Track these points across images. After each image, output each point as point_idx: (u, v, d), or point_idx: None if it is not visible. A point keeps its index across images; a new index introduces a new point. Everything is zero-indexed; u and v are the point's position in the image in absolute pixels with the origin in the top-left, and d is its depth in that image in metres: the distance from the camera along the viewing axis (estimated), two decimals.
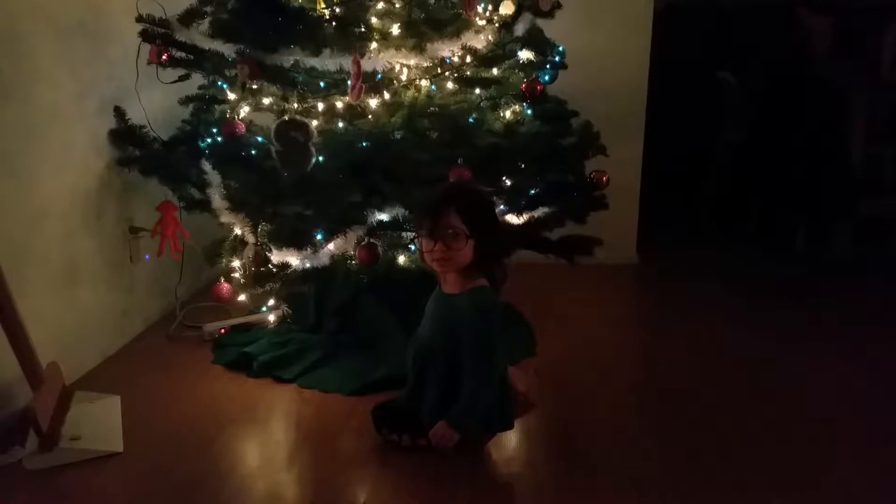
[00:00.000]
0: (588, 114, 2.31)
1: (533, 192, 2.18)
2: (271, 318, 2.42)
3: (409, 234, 2.02)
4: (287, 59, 1.97)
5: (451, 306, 1.69)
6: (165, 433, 1.84)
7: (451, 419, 1.62)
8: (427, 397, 1.70)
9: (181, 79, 2.26)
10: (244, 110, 2.18)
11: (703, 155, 3.93)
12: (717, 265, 3.30)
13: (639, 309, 2.85)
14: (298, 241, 2.01)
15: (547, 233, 2.25)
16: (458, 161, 1.96)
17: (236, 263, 2.17)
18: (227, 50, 2.01)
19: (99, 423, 1.81)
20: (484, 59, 2.09)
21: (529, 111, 2.18)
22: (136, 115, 2.32)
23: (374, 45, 1.95)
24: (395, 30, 1.98)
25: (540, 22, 2.25)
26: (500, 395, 1.70)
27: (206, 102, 2.25)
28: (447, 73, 2.09)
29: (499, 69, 2.17)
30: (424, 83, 2.07)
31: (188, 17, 2.08)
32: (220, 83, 2.19)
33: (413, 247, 2.00)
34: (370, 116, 2.07)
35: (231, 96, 2.17)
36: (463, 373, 1.63)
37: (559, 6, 2.26)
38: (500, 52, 2.12)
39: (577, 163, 2.26)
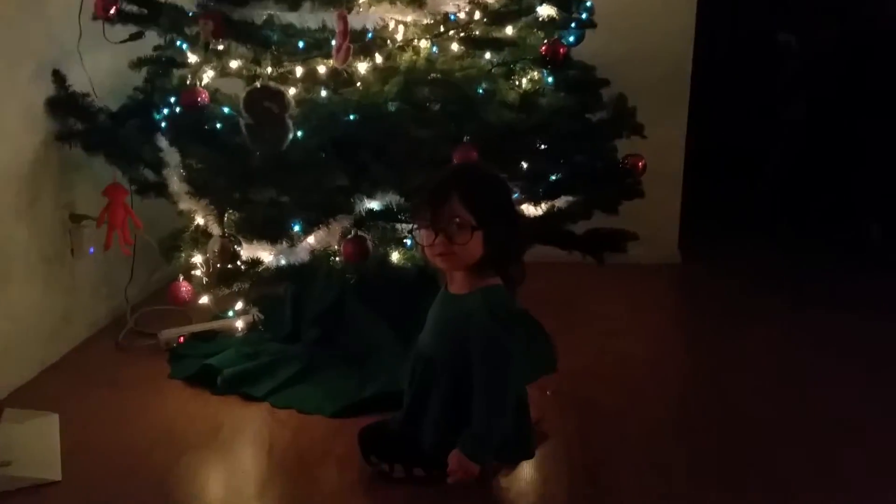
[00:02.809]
0: (621, 84, 2.29)
1: (554, 177, 2.18)
2: (239, 324, 2.45)
3: (404, 225, 2.04)
4: (259, 14, 2.00)
5: (459, 309, 1.68)
6: (112, 459, 1.83)
7: (466, 449, 1.60)
8: (428, 420, 1.70)
9: (133, 38, 2.25)
10: (208, 76, 2.17)
11: (758, 134, 3.92)
12: (772, 266, 3.31)
13: (679, 317, 2.86)
14: (272, 232, 2.02)
15: (571, 225, 2.27)
16: (465, 139, 1.96)
17: (198, 259, 2.18)
18: (188, 3, 2.04)
19: (33, 446, 1.80)
20: (496, 16, 2.10)
21: (551, 79, 2.19)
22: (78, 81, 2.32)
23: None
24: None
25: None
26: (518, 419, 1.70)
27: (162, 66, 2.25)
28: (451, 33, 2.10)
29: (514, 28, 2.18)
30: (424, 44, 2.09)
31: None
32: (179, 43, 2.19)
33: (409, 241, 2.03)
34: (359, 84, 2.08)
35: (192, 59, 2.17)
36: (473, 390, 1.62)
37: None
38: (515, 8, 2.12)
39: (607, 143, 2.25)
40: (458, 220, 1.61)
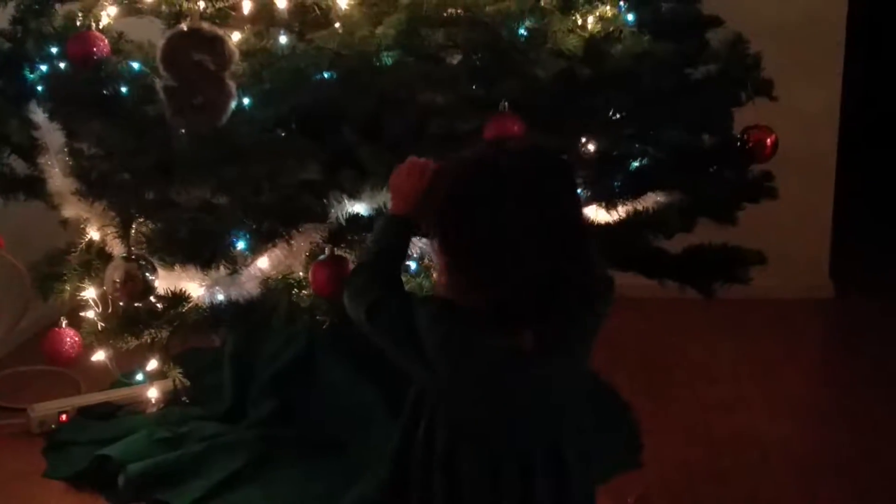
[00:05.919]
0: (742, 26, 2.21)
1: (637, 163, 2.12)
2: (153, 394, 2.41)
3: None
4: None
5: None
6: None
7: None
8: None
9: None
10: (108, 14, 2.12)
11: None
12: None
13: (832, 379, 2.76)
14: (204, 252, 1.93)
15: (662, 240, 2.18)
16: (501, 106, 1.85)
17: (90, 294, 2.12)
18: None
19: None
20: None
21: (631, 16, 2.11)
22: None
23: None
24: None
25: None
26: None
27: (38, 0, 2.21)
28: None
29: None
30: None
31: None
32: None
33: (412, 263, 1.98)
34: (337, 25, 2.02)
35: None
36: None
37: None
38: None
39: (718, 110, 2.16)
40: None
